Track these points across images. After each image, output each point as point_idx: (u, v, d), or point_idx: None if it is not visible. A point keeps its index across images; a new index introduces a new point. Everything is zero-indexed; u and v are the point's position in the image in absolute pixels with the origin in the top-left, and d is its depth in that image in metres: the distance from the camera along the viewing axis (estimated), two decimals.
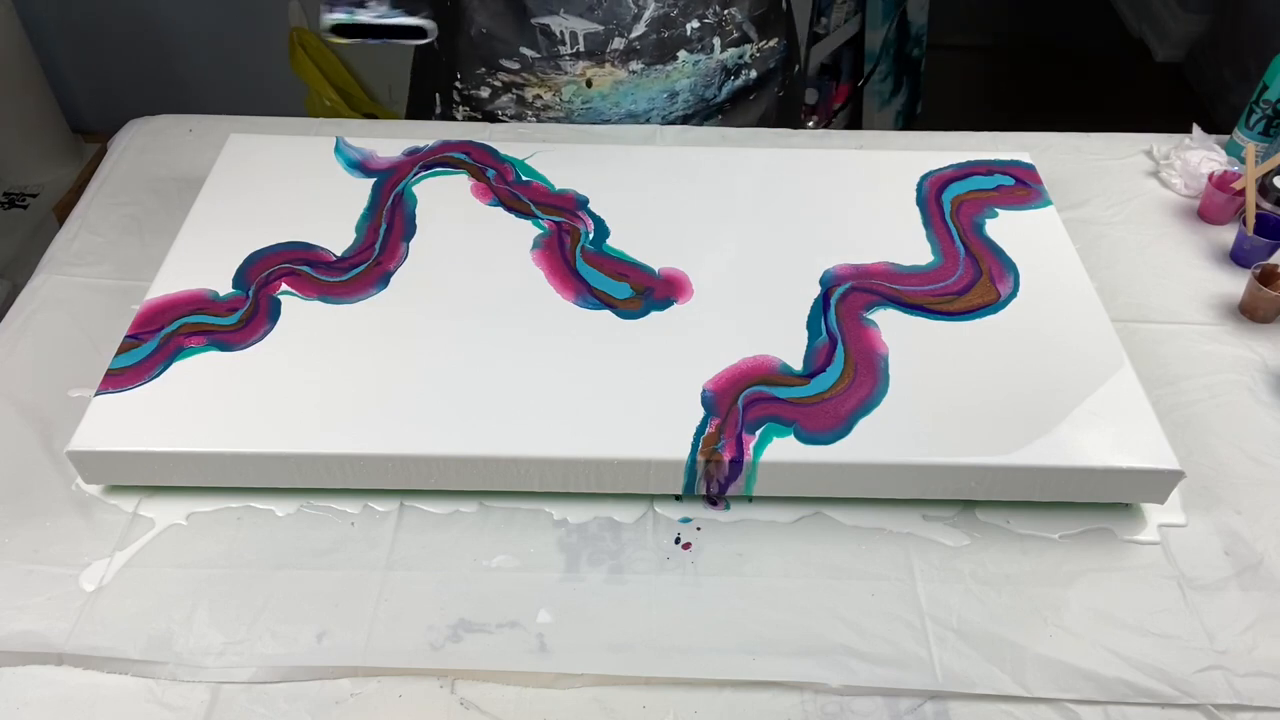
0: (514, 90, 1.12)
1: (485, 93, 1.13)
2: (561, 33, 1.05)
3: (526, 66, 1.09)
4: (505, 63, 1.10)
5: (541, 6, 1.05)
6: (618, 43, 1.05)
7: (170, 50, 2.16)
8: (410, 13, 0.88)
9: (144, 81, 2.20)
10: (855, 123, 2.20)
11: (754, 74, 1.16)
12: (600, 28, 1.05)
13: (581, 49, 1.06)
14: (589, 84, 1.09)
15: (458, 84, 1.14)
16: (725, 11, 1.09)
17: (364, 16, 0.88)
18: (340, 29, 0.88)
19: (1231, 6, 2.44)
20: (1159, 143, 1.15)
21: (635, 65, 1.08)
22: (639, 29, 1.05)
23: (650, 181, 1.02)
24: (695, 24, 1.07)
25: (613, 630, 0.72)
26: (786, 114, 1.24)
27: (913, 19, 2.17)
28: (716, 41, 1.09)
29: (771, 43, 1.15)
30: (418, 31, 0.90)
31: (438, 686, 0.69)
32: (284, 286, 0.88)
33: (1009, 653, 0.71)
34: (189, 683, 0.69)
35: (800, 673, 0.69)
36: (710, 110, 1.16)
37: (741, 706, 0.68)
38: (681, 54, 1.08)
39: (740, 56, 1.11)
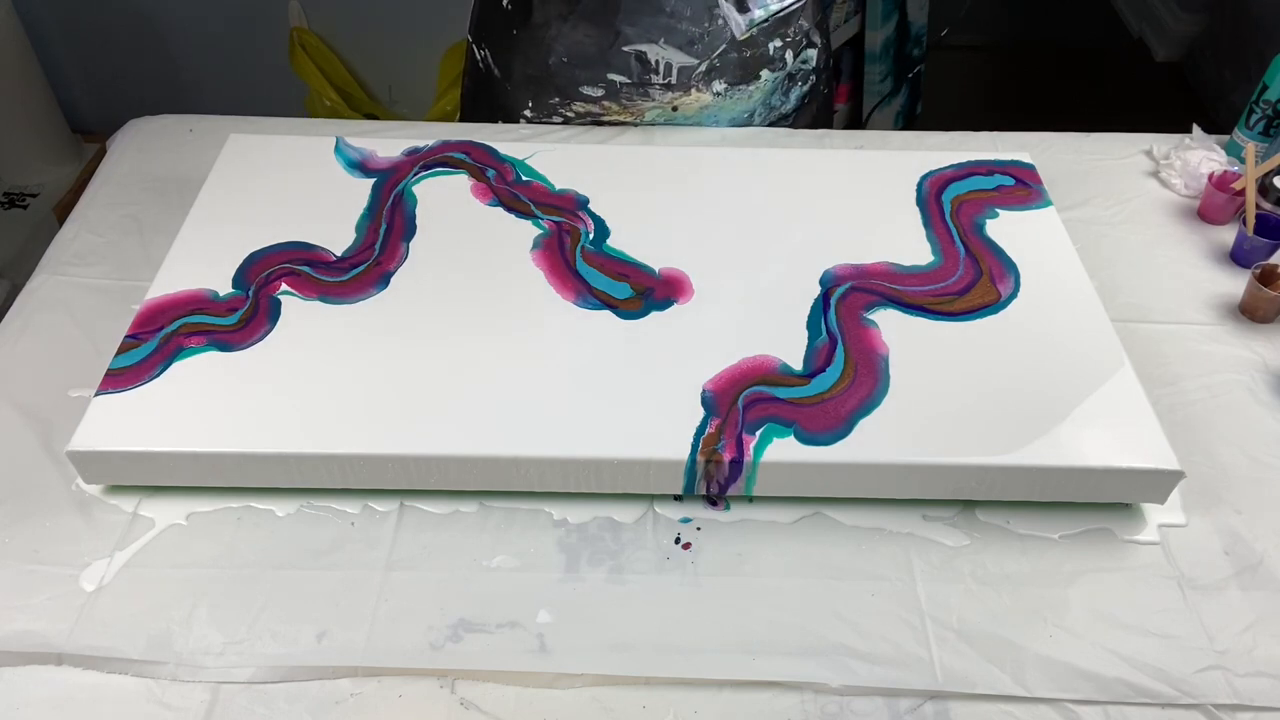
0: (588, 120, 1.12)
1: (557, 121, 1.13)
2: (656, 61, 1.05)
3: (611, 93, 1.08)
4: (587, 90, 1.09)
5: (641, 35, 1.04)
6: (703, 65, 1.05)
7: (170, 50, 2.16)
8: None
9: (144, 81, 2.19)
10: (855, 123, 2.20)
11: (814, 78, 1.16)
12: (696, 61, 1.05)
13: (674, 80, 1.07)
14: (674, 109, 1.10)
15: (526, 113, 1.13)
16: (798, 23, 1.09)
17: None
18: None
19: (1231, 6, 2.43)
20: (1159, 143, 1.15)
21: (719, 86, 1.08)
22: (721, 46, 1.05)
23: (650, 181, 1.02)
24: (777, 42, 1.07)
25: (613, 630, 0.72)
26: (827, 108, 1.24)
27: (913, 19, 2.17)
28: (790, 55, 1.10)
29: (820, 43, 1.15)
30: None
31: (438, 686, 0.69)
32: (284, 286, 0.88)
33: (1009, 653, 0.71)
34: (189, 683, 0.69)
35: (800, 673, 0.69)
36: (780, 119, 1.16)
37: (741, 706, 0.68)
38: (764, 73, 1.09)
39: (805, 63, 1.12)
